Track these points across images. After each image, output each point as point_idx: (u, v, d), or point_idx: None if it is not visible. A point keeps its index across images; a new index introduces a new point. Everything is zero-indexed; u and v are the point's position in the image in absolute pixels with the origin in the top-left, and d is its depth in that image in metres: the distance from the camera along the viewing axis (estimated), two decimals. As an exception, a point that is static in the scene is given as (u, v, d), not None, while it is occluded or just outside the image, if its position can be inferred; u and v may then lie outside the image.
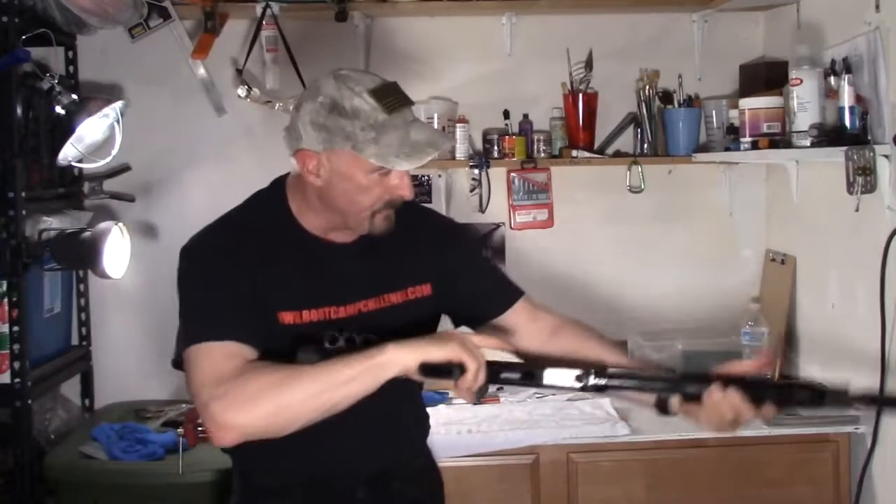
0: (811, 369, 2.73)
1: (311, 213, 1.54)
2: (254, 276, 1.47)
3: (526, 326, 1.72)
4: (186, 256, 1.52)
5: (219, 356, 1.39)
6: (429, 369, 1.38)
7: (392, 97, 1.46)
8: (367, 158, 1.43)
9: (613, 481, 2.45)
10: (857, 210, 2.17)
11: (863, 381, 2.33)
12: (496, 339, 1.52)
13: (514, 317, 1.70)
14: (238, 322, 1.42)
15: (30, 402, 2.38)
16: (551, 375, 1.44)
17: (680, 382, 1.44)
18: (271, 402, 1.34)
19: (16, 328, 2.34)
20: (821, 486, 2.44)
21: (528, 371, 1.48)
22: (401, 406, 1.62)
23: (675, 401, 1.43)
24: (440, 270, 1.64)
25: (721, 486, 2.45)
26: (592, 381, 1.42)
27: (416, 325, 1.55)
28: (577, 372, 1.44)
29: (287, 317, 1.48)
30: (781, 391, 1.39)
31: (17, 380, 2.34)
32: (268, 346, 1.44)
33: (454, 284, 1.66)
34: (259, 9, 2.76)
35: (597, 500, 2.45)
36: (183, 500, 2.33)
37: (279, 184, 1.60)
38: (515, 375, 1.48)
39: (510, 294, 1.72)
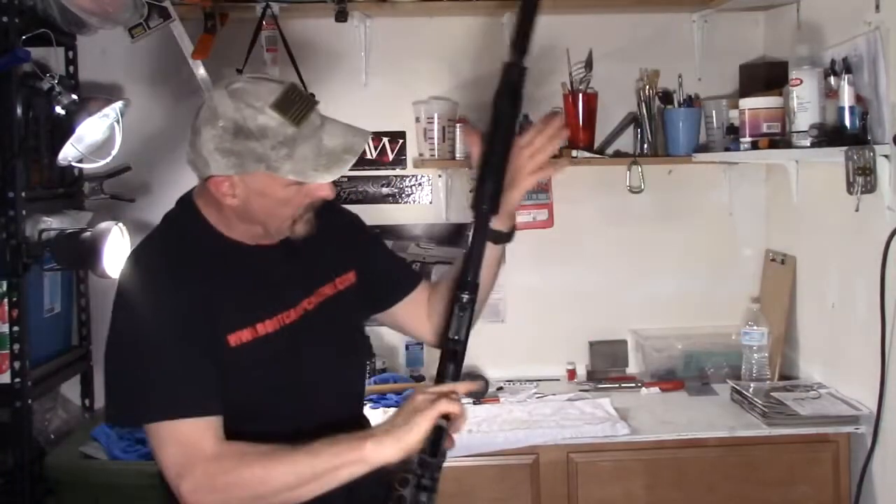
0: (811, 369, 2.73)
1: (231, 224, 1.48)
2: (205, 307, 1.40)
3: (427, 303, 1.70)
4: (126, 304, 1.43)
5: (187, 435, 1.34)
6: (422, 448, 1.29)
7: (296, 106, 1.39)
8: (285, 176, 1.38)
9: (613, 481, 2.45)
10: (857, 210, 2.17)
11: (863, 380, 2.34)
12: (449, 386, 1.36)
13: (420, 294, 1.70)
14: (201, 389, 1.37)
15: (30, 402, 2.38)
16: None
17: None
18: (246, 491, 1.31)
19: (16, 328, 2.34)
20: (821, 486, 2.44)
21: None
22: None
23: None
24: (357, 257, 1.65)
25: (721, 486, 2.45)
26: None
27: (350, 316, 1.61)
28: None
29: (244, 335, 1.43)
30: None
31: (17, 380, 2.34)
32: (229, 373, 1.40)
33: (368, 269, 1.66)
34: (259, 9, 2.77)
35: (597, 500, 2.45)
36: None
37: (187, 201, 1.52)
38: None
39: (413, 274, 1.76)
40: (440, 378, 1.33)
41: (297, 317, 1.50)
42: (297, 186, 1.40)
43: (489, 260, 1.46)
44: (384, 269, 1.72)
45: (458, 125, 2.91)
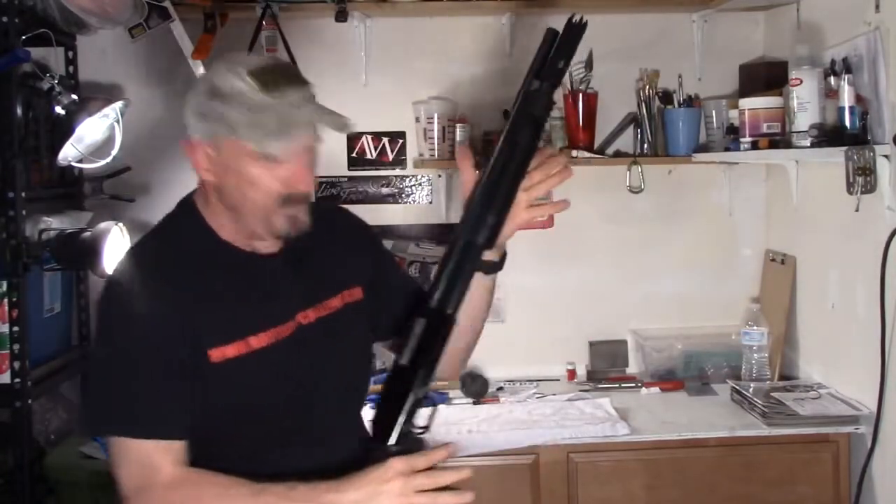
0: (811, 369, 2.73)
1: (224, 221, 1.41)
2: (185, 320, 1.32)
3: None
4: (102, 312, 1.38)
5: (145, 456, 1.29)
6: None
7: (275, 76, 1.33)
8: (243, 140, 1.31)
9: (613, 481, 2.45)
10: (857, 210, 2.17)
11: (863, 380, 2.34)
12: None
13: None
14: (166, 410, 1.30)
15: (30, 402, 2.38)
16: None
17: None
18: None
19: (16, 328, 2.34)
20: (821, 486, 2.44)
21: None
22: None
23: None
24: (367, 273, 1.55)
25: (721, 486, 2.45)
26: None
27: (354, 334, 1.49)
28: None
29: (230, 350, 1.34)
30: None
31: (17, 380, 2.34)
32: (211, 391, 1.33)
33: (378, 290, 1.56)
34: (259, 9, 2.76)
35: (597, 500, 2.45)
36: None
37: (187, 200, 1.47)
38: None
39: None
40: (404, 440, 1.32)
41: (291, 331, 1.40)
42: (266, 166, 1.32)
43: (481, 291, 1.47)
44: (396, 293, 1.59)
45: (458, 125, 2.91)
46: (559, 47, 1.33)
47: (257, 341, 1.36)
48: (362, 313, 1.53)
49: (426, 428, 1.36)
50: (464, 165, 1.40)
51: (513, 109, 1.32)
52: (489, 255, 1.41)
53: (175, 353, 1.31)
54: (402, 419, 1.32)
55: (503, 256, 1.48)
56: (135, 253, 1.44)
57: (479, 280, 1.41)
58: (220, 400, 1.34)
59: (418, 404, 1.34)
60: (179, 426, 1.31)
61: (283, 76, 1.34)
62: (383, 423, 1.32)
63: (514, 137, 1.31)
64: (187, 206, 1.45)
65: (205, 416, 1.33)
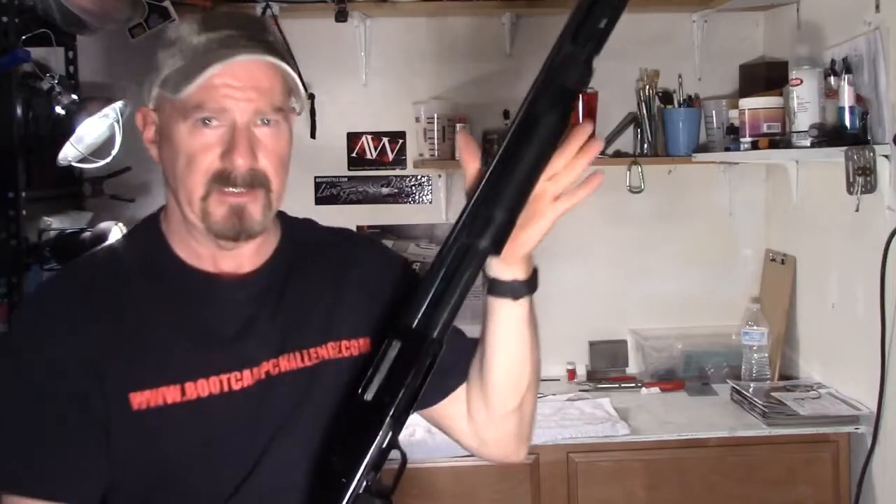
0: (811, 369, 2.73)
1: (176, 225, 1.14)
2: (101, 356, 1.06)
3: (466, 396, 1.23)
4: (9, 336, 1.14)
5: None
6: None
7: (222, 17, 1.11)
8: (166, 92, 1.07)
9: (613, 481, 2.45)
10: (857, 210, 2.17)
11: (863, 380, 2.34)
12: None
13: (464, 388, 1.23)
14: (66, 465, 1.04)
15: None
16: None
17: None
18: None
19: (16, 328, 2.34)
20: (821, 486, 2.44)
21: None
22: None
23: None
24: (382, 322, 1.16)
25: (721, 487, 2.45)
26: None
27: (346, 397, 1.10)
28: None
29: (157, 396, 1.06)
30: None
31: (17, 380, 2.34)
32: (130, 446, 1.06)
33: None
34: (259, 9, 2.76)
35: (597, 500, 2.45)
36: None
37: (155, 212, 1.21)
38: None
39: (466, 357, 1.20)
40: None
41: (251, 381, 1.10)
42: (193, 130, 1.05)
43: (513, 324, 1.10)
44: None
45: (458, 125, 2.91)
46: (602, 2, 1.04)
47: (196, 389, 1.08)
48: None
49: (389, 496, 1.04)
50: (467, 154, 1.04)
51: (537, 79, 1.01)
52: (507, 272, 1.07)
53: (79, 395, 1.05)
54: (356, 479, 1.00)
55: (534, 273, 1.09)
56: (55, 278, 1.21)
57: (505, 310, 1.09)
58: (140, 456, 1.07)
59: (382, 457, 1.00)
60: (81, 484, 1.05)
61: (229, 17, 1.11)
62: (331, 480, 1.01)
63: (535, 111, 0.98)
64: (152, 215, 1.20)
65: (120, 474, 1.07)
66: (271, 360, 1.12)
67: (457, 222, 0.99)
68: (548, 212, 1.03)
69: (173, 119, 1.07)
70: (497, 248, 0.98)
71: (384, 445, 1.00)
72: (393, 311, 1.11)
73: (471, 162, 1.04)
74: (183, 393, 1.07)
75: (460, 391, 1.21)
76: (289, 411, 1.11)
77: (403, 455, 1.03)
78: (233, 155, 1.05)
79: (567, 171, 1.03)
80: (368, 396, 1.00)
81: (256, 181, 1.07)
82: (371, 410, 1.00)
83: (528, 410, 1.21)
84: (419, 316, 1.00)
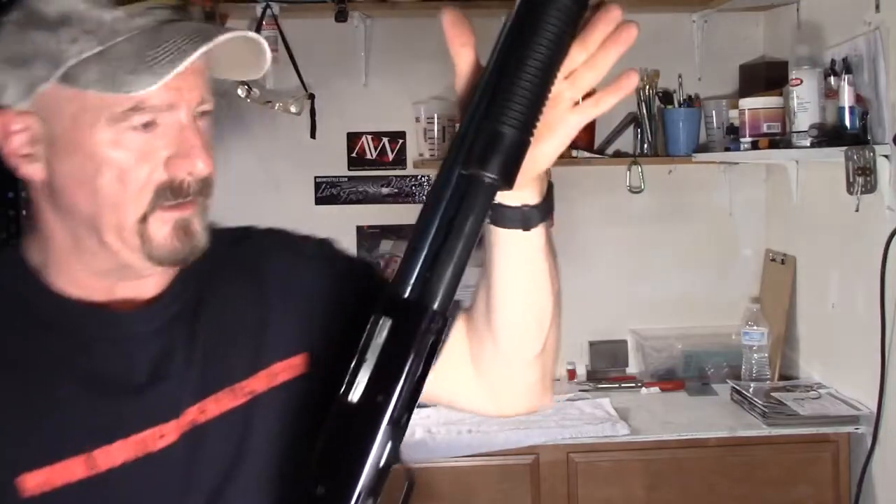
0: (811, 369, 2.73)
1: (62, 259, 0.87)
2: None
3: (469, 353, 0.97)
4: None
5: None
6: None
7: None
8: (86, 88, 0.79)
9: (613, 481, 2.45)
10: (857, 210, 2.17)
11: (863, 381, 2.34)
12: None
13: (458, 347, 0.96)
14: None
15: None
16: None
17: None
18: None
19: (16, 328, 2.34)
20: (821, 487, 2.44)
21: None
22: None
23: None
24: (322, 328, 0.97)
25: (721, 487, 2.45)
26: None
27: (296, 430, 0.92)
28: None
29: (57, 474, 0.81)
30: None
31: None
32: None
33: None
34: (259, 9, 2.76)
35: (597, 500, 2.45)
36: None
37: (14, 248, 0.92)
38: None
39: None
40: None
41: (176, 437, 0.87)
42: (116, 134, 0.81)
43: (527, 256, 0.87)
44: None
45: (457, 125, 2.90)
46: None
47: (107, 458, 0.84)
48: (305, 396, 0.94)
49: None
50: (456, 38, 0.79)
51: None
52: (514, 196, 0.80)
53: None
54: None
55: (549, 192, 0.86)
56: None
57: (516, 243, 0.84)
58: None
59: (381, 478, 0.71)
60: None
61: None
62: None
63: None
64: (8, 249, 0.93)
65: None
66: (196, 406, 0.88)
67: (451, 146, 0.71)
68: (565, 121, 0.78)
69: (84, 124, 0.80)
70: (508, 179, 0.69)
71: (383, 461, 0.70)
72: (331, 313, 0.95)
73: (463, 49, 0.77)
74: (90, 465, 0.82)
75: (455, 355, 0.94)
76: (227, 464, 0.89)
77: (410, 474, 0.74)
78: (190, 160, 0.83)
79: (589, 67, 0.77)
80: (355, 398, 0.69)
81: (203, 188, 0.85)
82: (361, 417, 0.69)
83: (552, 349, 0.95)
84: (412, 281, 0.69)
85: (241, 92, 2.78)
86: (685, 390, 2.82)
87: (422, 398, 0.91)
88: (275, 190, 2.97)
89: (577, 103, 0.79)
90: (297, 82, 2.80)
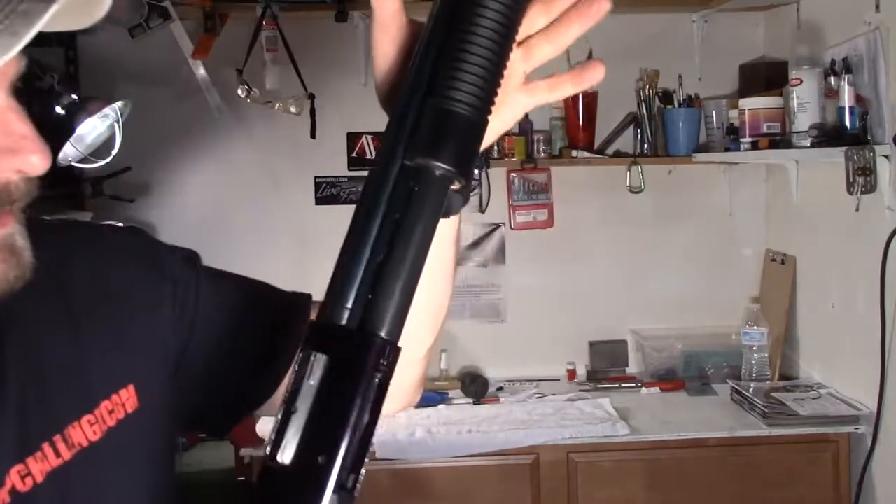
0: (811, 369, 2.73)
1: None
2: None
3: None
4: None
5: None
6: None
7: None
8: None
9: (613, 481, 2.45)
10: (857, 210, 2.17)
11: (863, 381, 2.34)
12: None
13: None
14: None
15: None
16: None
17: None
18: None
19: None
20: (821, 487, 2.44)
21: None
22: None
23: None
24: (157, 351, 0.80)
25: (721, 487, 2.45)
26: None
27: (137, 474, 0.77)
28: None
29: None
30: None
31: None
32: None
33: (193, 357, 0.83)
34: (259, 9, 2.76)
35: (597, 500, 2.45)
36: (186, 500, 2.33)
37: None
38: None
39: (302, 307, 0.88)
40: None
41: None
42: None
43: (442, 246, 0.71)
44: (232, 349, 0.85)
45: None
46: None
47: None
48: (151, 432, 0.78)
49: None
50: None
51: None
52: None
53: None
54: None
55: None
56: None
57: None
58: None
59: None
60: None
61: None
62: None
63: None
64: None
65: None
66: (16, 468, 0.68)
67: (387, 133, 0.57)
68: (514, 101, 0.65)
69: None
70: (464, 169, 0.56)
71: None
72: (154, 330, 0.79)
73: (390, 11, 0.62)
74: None
75: None
76: None
77: None
78: (19, 155, 0.63)
79: (548, 38, 0.65)
80: (286, 459, 0.51)
81: (27, 193, 0.65)
82: (296, 483, 0.51)
83: (438, 346, 0.83)
84: (349, 305, 0.54)
85: (241, 92, 2.78)
86: (685, 390, 2.82)
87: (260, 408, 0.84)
88: (275, 190, 2.97)
89: (527, 82, 0.66)
90: (297, 82, 2.80)
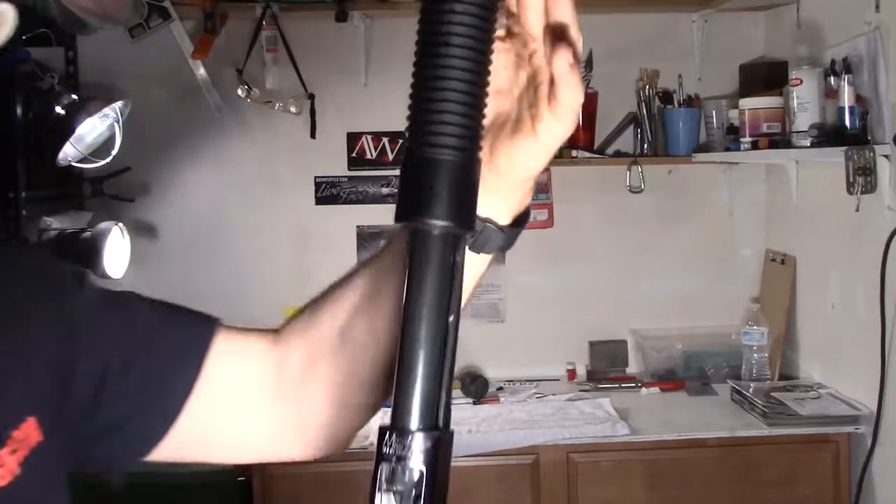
0: (811, 369, 2.73)
1: None
2: None
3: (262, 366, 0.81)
4: None
5: None
6: None
7: None
8: None
9: (613, 481, 2.45)
10: (857, 210, 2.17)
11: (863, 380, 2.34)
12: None
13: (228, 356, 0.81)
14: None
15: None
16: None
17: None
18: None
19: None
20: (821, 486, 2.44)
21: None
22: None
23: None
24: (58, 380, 0.74)
25: (721, 487, 2.45)
26: None
27: None
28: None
29: None
30: None
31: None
32: None
33: (88, 382, 0.76)
34: (259, 9, 2.77)
35: (597, 500, 2.45)
36: (185, 500, 2.33)
37: None
38: None
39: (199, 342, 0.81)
40: None
41: None
42: None
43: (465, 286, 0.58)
44: (144, 377, 0.78)
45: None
46: None
47: None
48: (49, 467, 0.71)
49: None
50: None
51: None
52: (486, 206, 0.62)
53: None
54: None
55: (524, 215, 0.67)
56: None
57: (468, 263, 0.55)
58: None
59: None
60: None
61: None
62: None
63: None
64: None
65: None
66: None
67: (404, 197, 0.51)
68: (526, 139, 0.62)
69: None
70: (464, 218, 0.50)
71: None
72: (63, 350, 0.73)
73: None
74: None
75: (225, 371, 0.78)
76: None
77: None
78: None
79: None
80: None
81: None
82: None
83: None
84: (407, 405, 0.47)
85: (241, 92, 2.78)
86: (685, 390, 2.82)
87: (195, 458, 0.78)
88: (275, 190, 2.97)
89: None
90: (297, 82, 2.80)
